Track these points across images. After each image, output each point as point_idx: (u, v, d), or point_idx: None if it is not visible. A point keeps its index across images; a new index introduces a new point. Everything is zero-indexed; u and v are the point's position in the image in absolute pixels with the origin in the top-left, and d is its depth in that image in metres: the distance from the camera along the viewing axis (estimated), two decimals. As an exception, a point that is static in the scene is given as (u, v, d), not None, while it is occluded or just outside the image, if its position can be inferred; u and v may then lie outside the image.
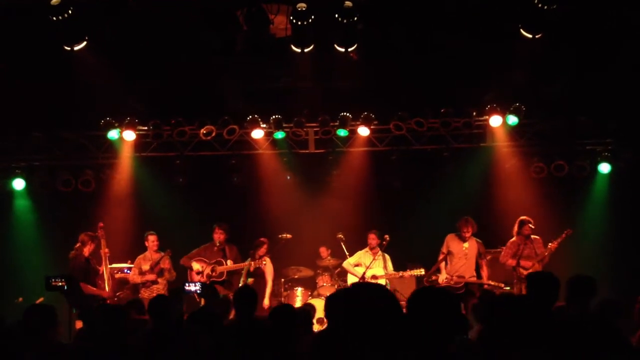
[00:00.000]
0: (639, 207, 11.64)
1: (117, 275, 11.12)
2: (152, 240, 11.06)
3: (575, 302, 5.53)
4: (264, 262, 10.97)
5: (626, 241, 11.68)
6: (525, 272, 10.43)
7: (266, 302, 11.05)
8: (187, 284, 5.38)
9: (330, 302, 2.67)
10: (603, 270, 11.31)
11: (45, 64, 10.04)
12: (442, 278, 10.86)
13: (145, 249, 11.13)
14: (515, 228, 10.80)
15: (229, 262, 11.03)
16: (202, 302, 10.36)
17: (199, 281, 10.45)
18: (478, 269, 10.98)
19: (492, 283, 10.83)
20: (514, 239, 10.83)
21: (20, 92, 10.69)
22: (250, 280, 11.04)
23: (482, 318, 5.88)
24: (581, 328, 4.75)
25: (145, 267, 10.94)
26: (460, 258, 10.87)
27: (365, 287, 2.76)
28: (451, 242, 11.00)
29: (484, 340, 4.73)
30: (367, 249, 11.45)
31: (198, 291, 5.29)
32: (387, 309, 2.56)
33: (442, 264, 11.00)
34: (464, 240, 10.89)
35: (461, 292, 10.58)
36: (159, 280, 10.89)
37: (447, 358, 3.37)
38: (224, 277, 10.93)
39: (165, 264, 11.00)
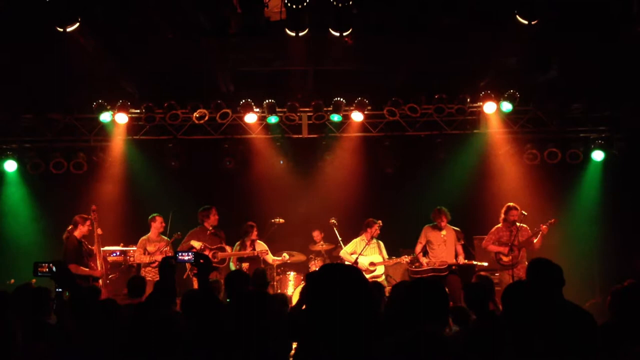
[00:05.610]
0: (632, 195, 11.66)
1: (110, 259, 11.06)
2: (160, 221, 11.03)
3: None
4: (266, 253, 11.07)
5: (619, 228, 11.72)
6: (504, 259, 10.53)
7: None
8: (179, 254, 5.24)
9: (309, 281, 2.79)
10: (595, 257, 11.41)
11: (38, 45, 9.94)
12: (426, 261, 10.93)
13: (144, 230, 11.07)
14: (502, 214, 10.84)
15: (229, 248, 11.03)
16: (195, 283, 10.42)
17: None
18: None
19: (475, 263, 10.95)
20: (499, 225, 10.87)
21: (12, 73, 10.60)
22: (245, 264, 11.04)
23: (479, 304, 5.90)
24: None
25: (151, 248, 10.89)
26: (440, 245, 10.98)
27: (338, 267, 2.84)
28: (429, 233, 11.11)
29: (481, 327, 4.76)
30: (362, 236, 11.43)
31: (191, 260, 5.16)
32: (358, 288, 2.66)
33: (420, 254, 11.07)
34: (440, 229, 10.98)
35: (444, 274, 10.69)
36: None
37: (440, 343, 3.40)
38: (226, 264, 10.92)
39: (168, 248, 10.98)
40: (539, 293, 4.50)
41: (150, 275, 10.72)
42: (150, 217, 11.11)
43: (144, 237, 11.04)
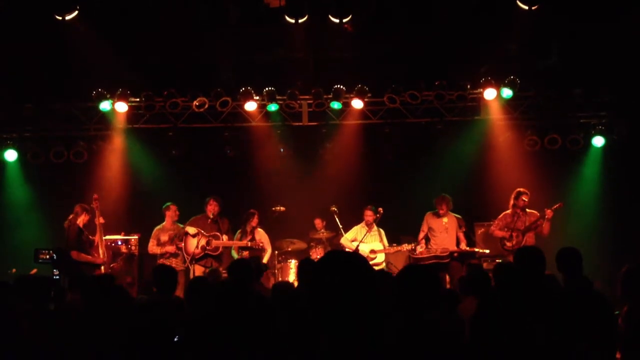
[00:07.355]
0: (632, 181, 11.66)
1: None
2: (174, 210, 11.02)
3: (567, 272, 5.63)
4: (260, 243, 11.04)
5: (619, 214, 11.73)
6: (508, 244, 10.53)
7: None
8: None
9: (301, 266, 2.77)
10: (595, 243, 11.40)
11: (37, 34, 9.93)
12: (428, 248, 10.93)
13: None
14: (511, 200, 10.80)
15: (225, 237, 10.99)
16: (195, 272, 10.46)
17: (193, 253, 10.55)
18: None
19: (477, 250, 10.95)
20: (508, 211, 10.84)
21: (11, 63, 10.59)
22: (245, 253, 11.06)
23: (473, 291, 5.94)
24: (572, 297, 4.86)
25: (164, 238, 10.86)
26: (442, 232, 11.00)
27: (339, 254, 2.84)
28: (430, 220, 11.14)
29: (480, 314, 4.81)
30: (363, 224, 11.46)
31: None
32: (360, 275, 2.64)
33: (423, 242, 11.07)
34: (442, 216, 11.01)
35: (446, 261, 10.72)
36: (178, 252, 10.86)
37: (434, 330, 3.43)
38: (219, 252, 10.92)
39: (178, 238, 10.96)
40: (520, 277, 4.63)
41: None
42: (164, 206, 11.08)
43: (158, 227, 11.02)
